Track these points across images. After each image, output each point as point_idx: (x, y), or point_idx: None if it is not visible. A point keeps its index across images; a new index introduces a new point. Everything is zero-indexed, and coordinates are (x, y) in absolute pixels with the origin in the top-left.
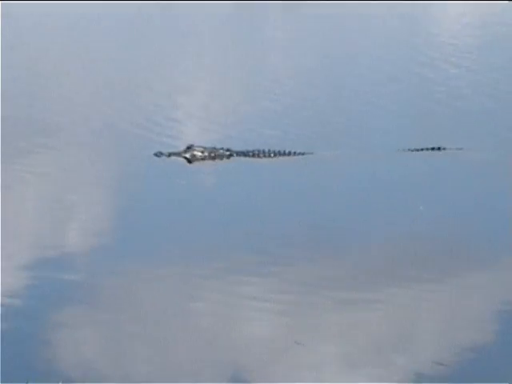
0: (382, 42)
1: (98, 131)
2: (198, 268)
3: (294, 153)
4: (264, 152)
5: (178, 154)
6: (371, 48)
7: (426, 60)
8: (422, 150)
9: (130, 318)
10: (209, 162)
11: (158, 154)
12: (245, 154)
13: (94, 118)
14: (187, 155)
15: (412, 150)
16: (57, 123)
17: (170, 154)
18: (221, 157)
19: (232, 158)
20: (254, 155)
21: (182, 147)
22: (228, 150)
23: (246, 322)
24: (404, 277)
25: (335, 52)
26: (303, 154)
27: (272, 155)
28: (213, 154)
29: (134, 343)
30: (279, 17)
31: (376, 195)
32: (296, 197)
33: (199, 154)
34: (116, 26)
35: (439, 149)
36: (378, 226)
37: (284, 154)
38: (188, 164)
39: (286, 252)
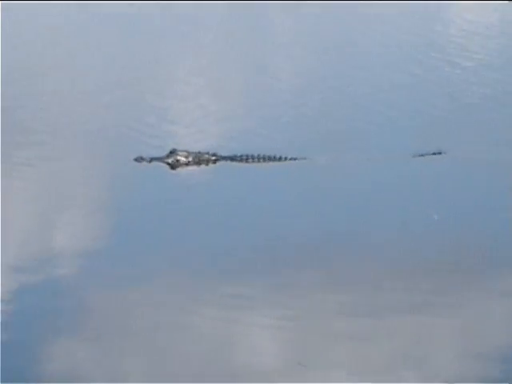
0: (383, 43)
1: (78, 133)
2: (196, 291)
3: (286, 158)
4: (253, 157)
5: (160, 159)
6: (372, 48)
7: (427, 60)
8: (423, 155)
9: (122, 343)
10: (193, 168)
11: (139, 160)
12: (232, 158)
13: (76, 120)
14: (170, 160)
15: (414, 156)
16: (37, 126)
17: (151, 160)
18: (206, 162)
19: (218, 163)
20: (242, 160)
21: (166, 151)
22: (214, 154)
23: (247, 347)
24: (416, 302)
25: (335, 53)
26: (295, 159)
27: (262, 160)
28: (197, 159)
29: (127, 369)
30: (279, 16)
31: (377, 204)
32: (289, 207)
33: (183, 159)
34: (115, 25)
35: (440, 153)
36: (382, 240)
37: (275, 159)
38: (171, 170)
39: (286, 271)
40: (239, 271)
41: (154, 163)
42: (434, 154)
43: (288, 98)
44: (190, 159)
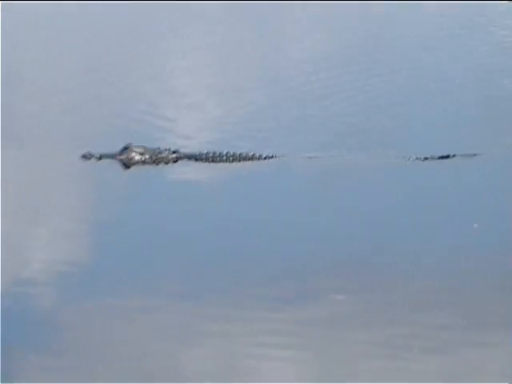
0: (396, 44)
1: (34, 127)
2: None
3: (261, 156)
4: (221, 155)
5: (111, 156)
6: (380, 49)
7: (434, 62)
8: (430, 158)
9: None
10: (150, 168)
11: (87, 156)
12: (196, 157)
13: (40, 113)
14: (122, 157)
15: (421, 159)
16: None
17: (100, 157)
18: (165, 160)
19: (180, 162)
20: (207, 159)
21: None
22: (175, 151)
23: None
24: (456, 340)
25: (340, 54)
26: (272, 157)
27: (231, 159)
28: (155, 157)
29: None
30: (282, 16)
31: (376, 215)
32: (273, 221)
33: (137, 156)
34: (115, 25)
35: (448, 157)
36: (398, 261)
37: (247, 157)
38: (124, 169)
39: (288, 303)
40: (227, 301)
41: (104, 160)
42: (442, 157)
43: (276, 88)
44: (147, 157)
